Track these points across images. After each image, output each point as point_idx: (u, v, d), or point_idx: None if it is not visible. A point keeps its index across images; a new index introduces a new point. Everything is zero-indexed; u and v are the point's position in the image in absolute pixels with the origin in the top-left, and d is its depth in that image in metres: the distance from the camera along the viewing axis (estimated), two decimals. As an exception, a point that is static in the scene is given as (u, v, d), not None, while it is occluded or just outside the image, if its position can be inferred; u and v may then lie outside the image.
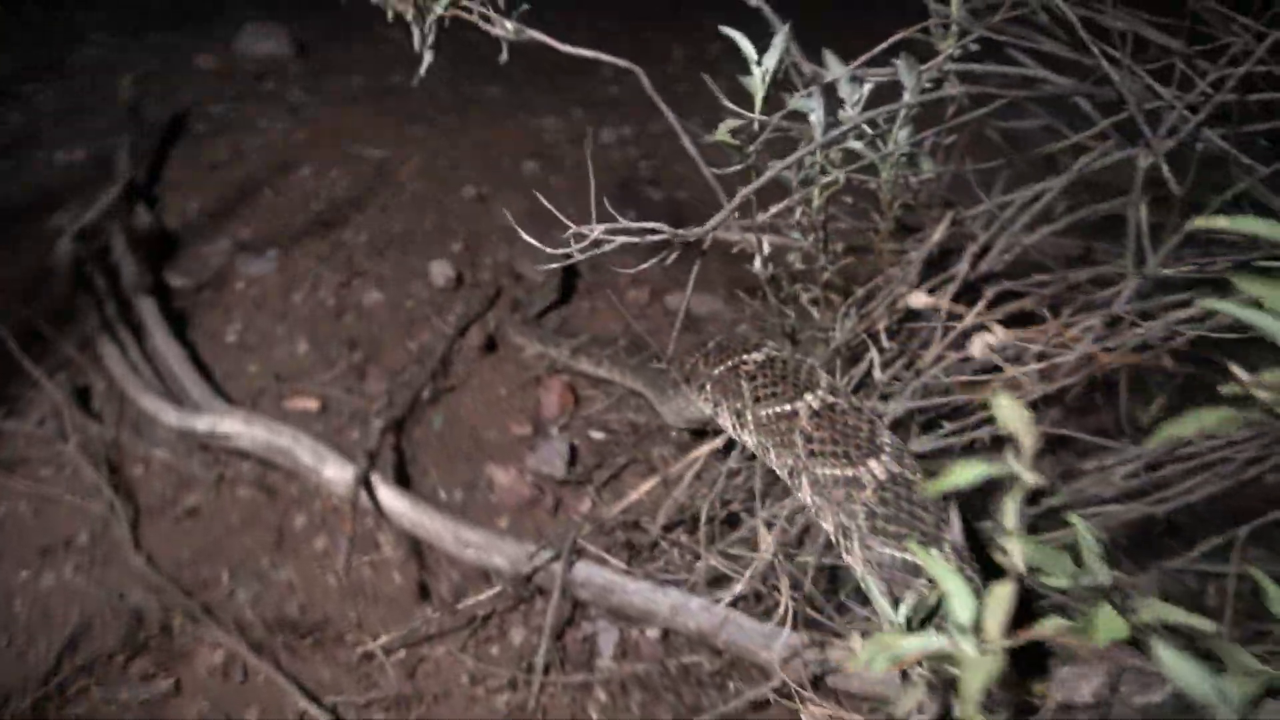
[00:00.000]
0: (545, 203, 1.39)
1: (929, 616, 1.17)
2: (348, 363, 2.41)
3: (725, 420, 1.49)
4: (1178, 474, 1.43)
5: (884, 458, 1.21)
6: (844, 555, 1.24)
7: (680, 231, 1.27)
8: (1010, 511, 0.70)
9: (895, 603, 1.20)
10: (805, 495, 1.29)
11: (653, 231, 1.30)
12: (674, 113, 1.33)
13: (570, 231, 1.21)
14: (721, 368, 1.50)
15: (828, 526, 1.26)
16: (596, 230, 1.21)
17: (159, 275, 2.72)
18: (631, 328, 2.56)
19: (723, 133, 1.56)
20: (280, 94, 4.22)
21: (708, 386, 1.53)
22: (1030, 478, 0.70)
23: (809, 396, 1.32)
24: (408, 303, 2.66)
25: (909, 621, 1.14)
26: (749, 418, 1.40)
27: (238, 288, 2.72)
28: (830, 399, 1.31)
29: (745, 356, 1.46)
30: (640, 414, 2.27)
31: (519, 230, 1.37)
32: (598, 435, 2.17)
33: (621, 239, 1.31)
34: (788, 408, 1.32)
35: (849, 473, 1.21)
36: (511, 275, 2.82)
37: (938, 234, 1.56)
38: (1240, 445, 1.37)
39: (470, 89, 4.44)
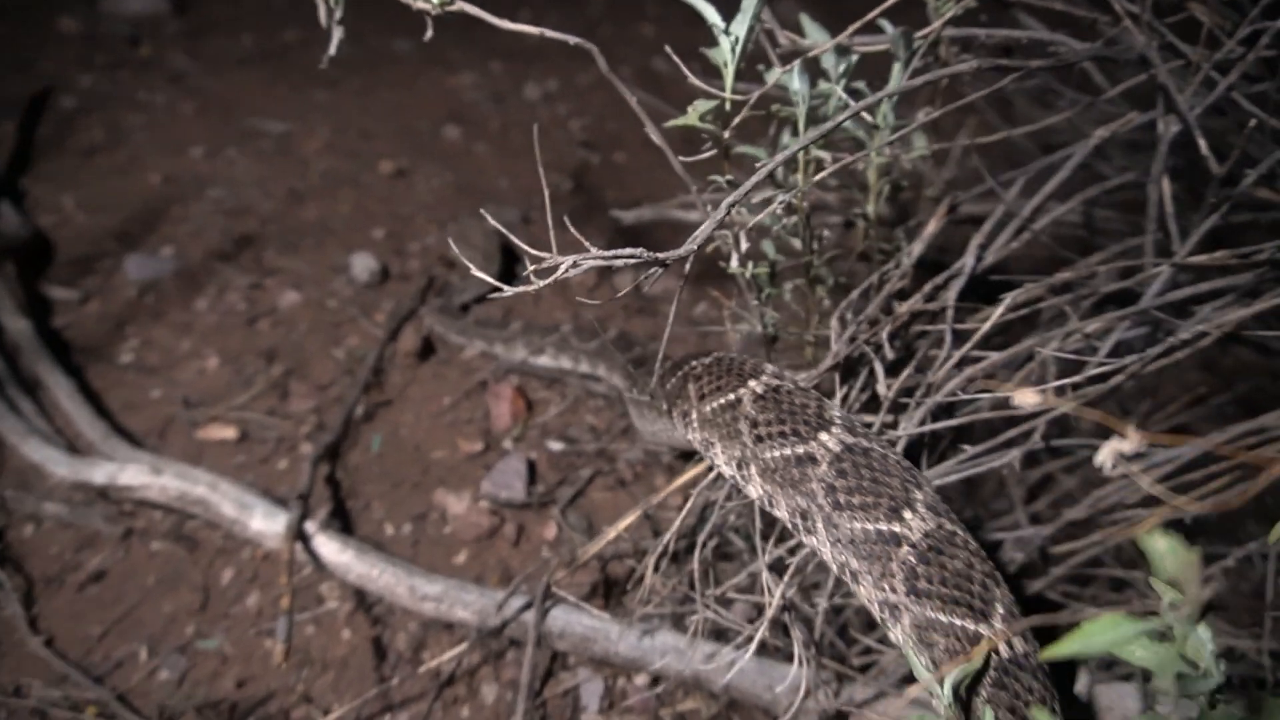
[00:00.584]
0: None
1: (975, 681, 1.04)
2: (267, 379, 2.13)
3: (676, 425, 1.35)
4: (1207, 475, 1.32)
5: (835, 429, 1.11)
6: (805, 539, 1.11)
7: (661, 255, 1.06)
8: (1169, 683, 0.54)
9: (931, 660, 1.07)
10: (755, 488, 1.18)
11: (628, 254, 1.09)
12: (602, 60, 1.10)
13: (535, 267, 0.99)
14: (673, 379, 1.36)
15: (782, 515, 1.14)
16: (566, 262, 0.99)
17: (34, 288, 2.37)
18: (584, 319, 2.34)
19: (693, 117, 1.34)
20: (160, 60, 3.76)
21: (663, 403, 1.39)
22: (1204, 636, 0.54)
23: (752, 383, 1.21)
24: (330, 303, 2.38)
25: (955, 691, 1.00)
26: (694, 416, 1.29)
27: (130, 297, 2.40)
28: (775, 383, 1.21)
29: (694, 363, 1.34)
30: (600, 416, 2.08)
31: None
32: (556, 446, 1.96)
33: (592, 262, 1.09)
34: (731, 397, 1.22)
35: (800, 450, 1.11)
36: (443, 263, 2.56)
37: (934, 224, 1.38)
38: None
39: (377, 43, 4.05)
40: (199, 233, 2.66)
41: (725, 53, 1.32)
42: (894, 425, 1.27)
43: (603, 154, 3.25)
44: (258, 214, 2.75)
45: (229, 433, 1.98)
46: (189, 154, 3.08)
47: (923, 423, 1.23)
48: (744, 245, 1.49)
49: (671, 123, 1.33)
